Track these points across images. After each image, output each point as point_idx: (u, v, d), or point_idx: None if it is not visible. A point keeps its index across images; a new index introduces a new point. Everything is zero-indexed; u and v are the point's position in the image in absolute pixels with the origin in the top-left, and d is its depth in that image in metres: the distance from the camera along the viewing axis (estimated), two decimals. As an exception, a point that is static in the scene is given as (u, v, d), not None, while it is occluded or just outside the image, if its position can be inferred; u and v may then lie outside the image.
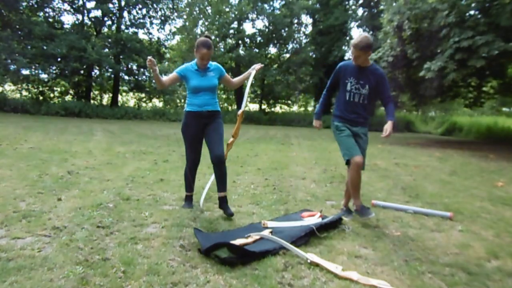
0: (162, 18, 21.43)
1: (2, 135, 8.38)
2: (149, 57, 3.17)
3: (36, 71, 17.68)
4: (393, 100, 3.41)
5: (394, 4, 11.69)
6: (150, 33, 21.56)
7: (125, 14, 20.26)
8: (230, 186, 4.00)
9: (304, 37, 23.08)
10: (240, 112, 3.61)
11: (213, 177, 3.58)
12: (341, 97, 3.46)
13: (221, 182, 3.46)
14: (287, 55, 22.41)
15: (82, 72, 18.65)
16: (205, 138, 3.51)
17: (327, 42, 21.76)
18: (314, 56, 22.18)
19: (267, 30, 21.31)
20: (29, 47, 16.65)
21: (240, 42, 21.27)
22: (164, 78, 3.47)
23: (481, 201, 4.44)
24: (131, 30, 20.20)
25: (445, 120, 20.52)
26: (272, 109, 24.29)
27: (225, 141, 3.54)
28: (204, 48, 3.37)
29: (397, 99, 19.36)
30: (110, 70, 19.10)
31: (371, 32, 21.69)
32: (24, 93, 18.59)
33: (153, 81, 20.56)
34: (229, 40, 20.86)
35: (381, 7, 14.56)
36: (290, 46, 22.22)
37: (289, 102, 25.77)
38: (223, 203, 3.46)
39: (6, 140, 7.50)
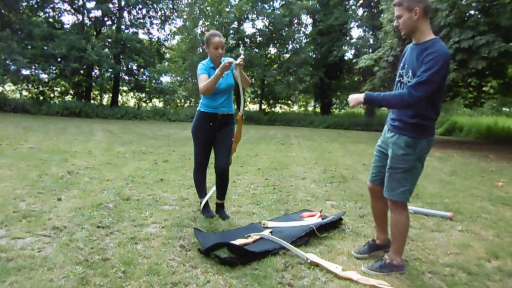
0: (162, 18, 21.43)
1: (2, 135, 8.38)
2: (230, 60, 2.95)
3: (36, 71, 17.68)
4: (413, 88, 2.14)
5: (394, 4, 11.67)
6: (150, 33, 21.58)
7: (125, 14, 20.25)
8: (230, 186, 3.99)
9: (304, 37, 23.08)
10: (239, 115, 3.30)
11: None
12: None
13: (221, 190, 3.43)
14: (287, 55, 22.40)
15: (82, 72, 18.64)
16: (214, 143, 3.38)
17: (327, 42, 21.76)
18: (314, 56, 22.19)
19: (267, 30, 21.32)
20: (29, 47, 16.64)
21: (240, 42, 21.26)
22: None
23: (481, 201, 4.43)
24: (131, 30, 20.20)
25: (445, 120, 20.50)
26: (272, 109, 24.28)
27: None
28: (215, 36, 3.17)
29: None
30: (110, 70, 19.09)
31: (371, 32, 21.73)
32: (24, 93, 18.58)
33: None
34: (229, 40, 20.86)
35: (381, 6, 14.55)
36: (290, 46, 22.22)
37: (289, 102, 25.77)
38: (219, 208, 3.47)
39: (6, 140, 7.50)
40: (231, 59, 3.06)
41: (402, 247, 2.46)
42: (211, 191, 3.48)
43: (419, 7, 2.20)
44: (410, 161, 2.28)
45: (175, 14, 21.48)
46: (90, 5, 19.52)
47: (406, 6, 2.23)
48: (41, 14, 18.93)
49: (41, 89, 18.65)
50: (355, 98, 2.34)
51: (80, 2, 19.39)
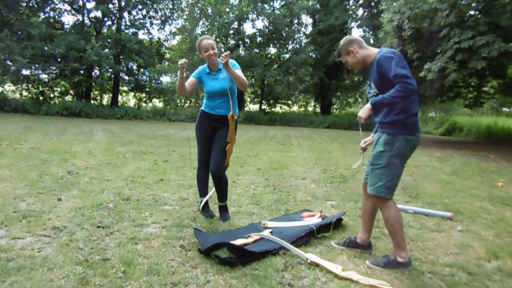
0: (162, 18, 21.43)
1: (2, 135, 8.38)
2: (183, 60, 2.98)
3: (36, 71, 17.68)
4: (403, 80, 2.25)
5: (394, 4, 11.67)
6: (150, 33, 21.58)
7: (125, 14, 20.26)
8: (230, 186, 3.99)
9: (304, 37, 23.07)
10: (229, 114, 3.26)
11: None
12: None
13: (219, 193, 3.40)
14: (287, 55, 22.39)
15: (82, 72, 18.65)
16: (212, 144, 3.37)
17: (327, 42, 21.74)
18: (314, 56, 22.17)
19: (267, 30, 21.31)
20: (28, 47, 16.64)
21: (240, 42, 21.26)
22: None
23: (481, 201, 4.43)
24: (131, 30, 20.20)
25: (445, 120, 20.50)
26: (272, 109, 24.28)
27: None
28: (203, 40, 3.20)
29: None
30: (110, 70, 19.11)
31: (371, 32, 21.71)
32: (24, 93, 18.59)
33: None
34: (229, 40, 20.87)
35: (381, 7, 14.54)
36: (290, 46, 22.21)
37: (289, 102, 25.76)
38: (221, 211, 3.43)
39: (6, 140, 7.50)
40: (185, 60, 3.02)
41: (402, 241, 2.49)
42: (211, 192, 3.47)
43: (353, 46, 2.55)
44: (386, 157, 2.43)
45: (175, 14, 21.49)
46: (90, 5, 19.55)
47: (344, 53, 2.61)
48: (41, 14, 18.93)
49: (41, 89, 18.67)
50: (363, 110, 2.42)
51: (80, 3, 19.40)
